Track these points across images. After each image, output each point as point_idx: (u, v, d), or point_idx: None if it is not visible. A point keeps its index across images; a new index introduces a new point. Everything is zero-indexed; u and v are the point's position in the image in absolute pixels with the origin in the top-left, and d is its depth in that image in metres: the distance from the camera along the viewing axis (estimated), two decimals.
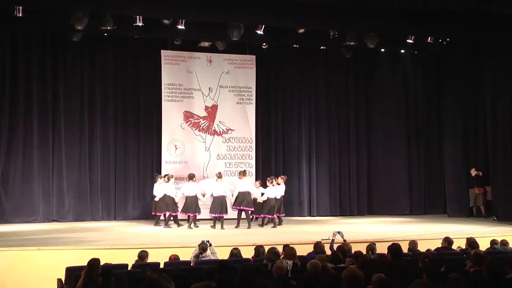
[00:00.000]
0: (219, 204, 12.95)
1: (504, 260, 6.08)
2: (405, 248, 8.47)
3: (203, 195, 13.31)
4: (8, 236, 11.27)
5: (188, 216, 13.23)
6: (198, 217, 13.32)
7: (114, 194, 14.65)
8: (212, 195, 13.24)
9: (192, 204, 13.08)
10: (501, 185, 14.25)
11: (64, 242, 10.52)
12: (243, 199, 13.11)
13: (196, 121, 14.99)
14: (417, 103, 16.93)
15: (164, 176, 13.41)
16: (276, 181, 13.59)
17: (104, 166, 14.65)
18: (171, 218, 13.34)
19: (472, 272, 6.44)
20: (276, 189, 13.46)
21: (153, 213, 13.43)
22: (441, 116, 16.39)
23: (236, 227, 13.00)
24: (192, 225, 13.07)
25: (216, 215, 12.99)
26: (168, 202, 13.20)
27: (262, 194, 13.45)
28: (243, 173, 13.53)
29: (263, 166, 15.04)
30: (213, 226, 12.91)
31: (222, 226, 12.88)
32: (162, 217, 13.40)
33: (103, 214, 14.55)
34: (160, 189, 13.21)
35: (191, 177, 13.33)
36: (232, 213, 13.42)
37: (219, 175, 13.34)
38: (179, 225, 13.31)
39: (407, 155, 16.79)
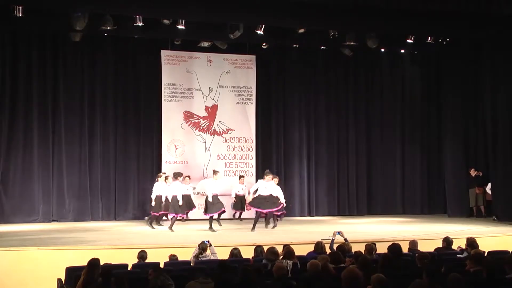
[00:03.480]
0: (218, 202, 12.56)
1: (504, 260, 6.09)
2: (405, 248, 8.47)
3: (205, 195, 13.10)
4: (8, 236, 11.26)
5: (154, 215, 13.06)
6: (197, 217, 13.30)
7: (114, 194, 14.64)
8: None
9: (156, 205, 12.96)
10: (501, 185, 14.25)
11: (64, 242, 10.52)
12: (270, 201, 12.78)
13: (196, 121, 14.99)
14: (417, 103, 16.93)
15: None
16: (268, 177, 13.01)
17: (104, 166, 14.63)
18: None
19: (472, 272, 6.44)
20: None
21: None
22: (441, 116, 16.38)
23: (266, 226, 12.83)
24: (153, 225, 12.97)
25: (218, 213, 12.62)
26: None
27: (256, 191, 13.00)
28: (268, 173, 13.04)
29: (263, 166, 14.98)
30: (220, 224, 12.88)
31: (219, 223, 12.88)
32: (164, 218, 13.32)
33: (103, 214, 14.53)
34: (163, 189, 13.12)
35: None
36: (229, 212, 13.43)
37: (215, 172, 12.83)
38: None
39: (406, 154, 16.80)
